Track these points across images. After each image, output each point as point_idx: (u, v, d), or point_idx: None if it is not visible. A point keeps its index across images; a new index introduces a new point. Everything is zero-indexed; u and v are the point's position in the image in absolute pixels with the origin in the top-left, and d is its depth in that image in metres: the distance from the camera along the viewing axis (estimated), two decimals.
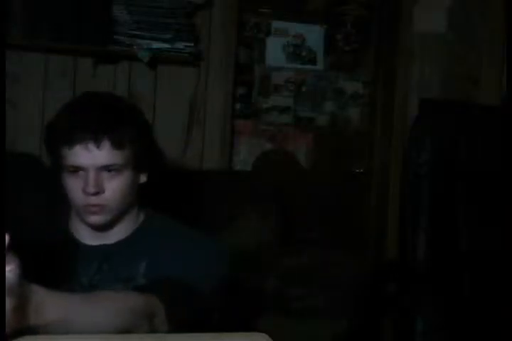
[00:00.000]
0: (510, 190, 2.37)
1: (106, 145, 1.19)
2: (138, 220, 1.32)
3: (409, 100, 2.82)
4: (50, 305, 0.81)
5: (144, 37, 2.36)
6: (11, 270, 0.72)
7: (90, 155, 1.18)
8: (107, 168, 1.20)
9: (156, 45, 2.37)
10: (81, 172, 1.20)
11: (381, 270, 2.62)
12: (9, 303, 0.72)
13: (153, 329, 1.04)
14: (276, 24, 2.87)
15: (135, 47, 2.35)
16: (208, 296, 1.19)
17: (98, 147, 1.18)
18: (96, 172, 1.19)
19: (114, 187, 1.21)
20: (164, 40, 2.38)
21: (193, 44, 2.44)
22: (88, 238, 1.29)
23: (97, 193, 1.20)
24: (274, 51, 2.87)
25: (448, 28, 2.88)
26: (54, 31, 2.30)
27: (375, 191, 2.94)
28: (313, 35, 2.92)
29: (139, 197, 1.30)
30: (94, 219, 1.24)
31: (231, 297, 1.33)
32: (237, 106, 2.80)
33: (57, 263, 1.20)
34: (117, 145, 1.19)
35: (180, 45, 2.41)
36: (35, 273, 1.04)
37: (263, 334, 0.88)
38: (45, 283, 1.04)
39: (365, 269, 2.44)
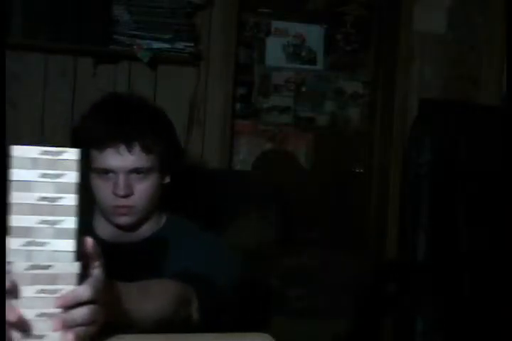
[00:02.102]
0: (510, 190, 2.37)
1: (137, 148, 1.21)
2: (160, 220, 1.34)
3: (409, 100, 2.82)
4: (121, 296, 0.84)
5: (144, 37, 2.36)
6: (98, 266, 0.76)
7: (121, 159, 1.20)
8: (137, 171, 1.22)
9: (156, 45, 2.37)
10: (111, 175, 1.22)
11: (381, 270, 2.62)
12: (100, 299, 0.73)
13: (188, 317, 1.07)
14: (276, 24, 2.87)
15: (135, 47, 2.34)
16: (224, 294, 1.20)
17: (129, 151, 1.20)
18: (126, 174, 1.21)
19: (143, 189, 1.23)
20: (164, 40, 2.38)
21: (193, 44, 2.44)
22: (112, 237, 1.30)
23: (127, 195, 1.22)
24: (274, 51, 2.87)
25: (448, 28, 2.88)
26: (54, 31, 2.30)
27: (375, 191, 2.94)
28: (313, 35, 2.92)
29: (161, 198, 1.32)
30: (123, 219, 1.25)
31: (242, 296, 1.35)
32: (237, 106, 2.80)
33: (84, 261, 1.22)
34: (147, 148, 1.21)
35: (180, 45, 2.41)
36: None
37: (266, 334, 0.88)
38: None
39: (365, 269, 2.44)
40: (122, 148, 1.20)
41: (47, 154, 0.73)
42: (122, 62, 2.46)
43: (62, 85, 2.42)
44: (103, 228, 1.31)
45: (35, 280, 0.70)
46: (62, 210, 0.71)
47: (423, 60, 2.85)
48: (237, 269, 1.28)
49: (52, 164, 0.72)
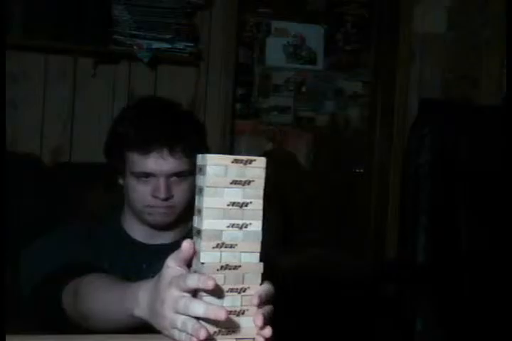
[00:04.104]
0: (510, 190, 2.37)
1: (179, 152, 1.22)
2: (188, 224, 1.35)
3: (409, 100, 2.82)
4: None
5: (144, 37, 2.36)
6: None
7: (164, 163, 1.22)
8: (177, 174, 1.24)
9: (156, 45, 2.37)
10: (151, 178, 1.23)
11: (381, 270, 2.62)
12: None
13: None
14: (276, 24, 2.87)
15: (135, 47, 2.35)
16: None
17: (172, 155, 1.22)
18: (167, 178, 1.23)
19: (182, 192, 1.25)
20: (164, 40, 2.38)
21: (193, 44, 2.44)
22: (143, 237, 1.31)
23: (167, 198, 1.24)
24: (274, 51, 2.87)
25: (448, 28, 2.88)
26: (54, 31, 2.30)
27: (375, 191, 2.94)
28: (313, 35, 2.92)
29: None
30: (160, 218, 1.27)
31: None
32: (237, 106, 2.80)
33: (121, 260, 1.25)
34: (188, 152, 1.23)
35: (180, 45, 2.41)
36: (95, 270, 1.08)
37: None
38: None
39: (365, 269, 2.44)
40: (166, 153, 1.21)
41: (238, 162, 0.77)
42: (122, 62, 2.46)
43: (62, 85, 2.42)
44: (135, 229, 1.32)
45: (226, 280, 0.76)
46: (250, 214, 0.77)
47: (423, 60, 2.85)
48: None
49: (242, 171, 0.76)
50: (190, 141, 1.24)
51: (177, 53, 2.41)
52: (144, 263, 1.27)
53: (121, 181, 1.29)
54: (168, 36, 2.38)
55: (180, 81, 2.54)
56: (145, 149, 1.21)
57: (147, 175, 1.23)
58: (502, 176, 2.40)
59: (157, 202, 1.24)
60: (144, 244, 1.31)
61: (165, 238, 1.31)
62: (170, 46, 2.39)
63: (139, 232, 1.31)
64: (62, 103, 2.42)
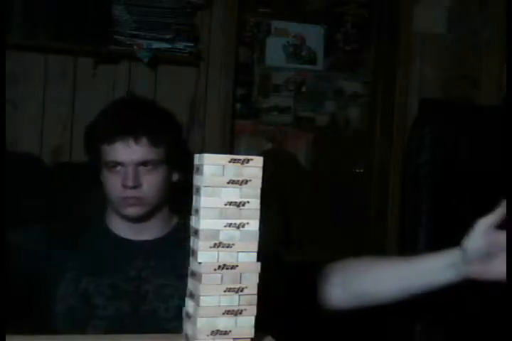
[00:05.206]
0: (510, 189, 2.37)
1: (144, 142, 1.26)
2: (171, 222, 1.38)
3: (409, 100, 2.82)
4: None
5: (144, 37, 2.36)
6: None
7: (130, 151, 1.26)
8: (144, 163, 1.27)
9: (156, 45, 2.37)
10: (120, 168, 1.27)
11: None
12: None
13: None
14: (276, 24, 2.87)
15: (135, 47, 2.35)
16: None
17: (137, 143, 1.26)
18: (134, 167, 1.27)
19: (150, 182, 1.28)
20: (164, 40, 2.38)
21: (193, 44, 2.44)
22: (126, 233, 1.34)
23: (135, 187, 1.27)
24: (274, 51, 2.87)
25: (448, 28, 2.88)
26: (54, 31, 2.30)
27: (375, 191, 2.94)
28: (313, 35, 2.92)
29: (171, 197, 1.36)
30: (132, 210, 1.29)
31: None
32: (237, 106, 2.80)
33: (102, 256, 1.28)
34: (154, 142, 1.27)
35: (180, 45, 2.41)
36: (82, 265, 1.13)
37: (269, 337, 0.89)
38: (93, 275, 1.23)
39: None
40: (131, 141, 1.25)
41: (235, 162, 0.76)
42: (122, 62, 2.46)
43: (62, 85, 2.42)
44: (117, 225, 1.34)
45: (223, 280, 0.76)
46: (247, 214, 0.77)
47: (423, 60, 2.85)
48: None
49: (240, 171, 0.76)
50: (158, 131, 1.28)
51: (177, 53, 2.42)
52: (127, 260, 1.29)
53: (102, 178, 1.32)
54: (168, 36, 2.38)
55: (180, 81, 2.54)
56: (111, 138, 1.25)
57: (116, 164, 1.27)
58: (501, 176, 2.40)
59: (127, 192, 1.26)
60: (127, 240, 1.33)
61: (145, 234, 1.33)
62: (170, 46, 2.39)
63: (120, 228, 1.33)
64: (62, 103, 2.42)
